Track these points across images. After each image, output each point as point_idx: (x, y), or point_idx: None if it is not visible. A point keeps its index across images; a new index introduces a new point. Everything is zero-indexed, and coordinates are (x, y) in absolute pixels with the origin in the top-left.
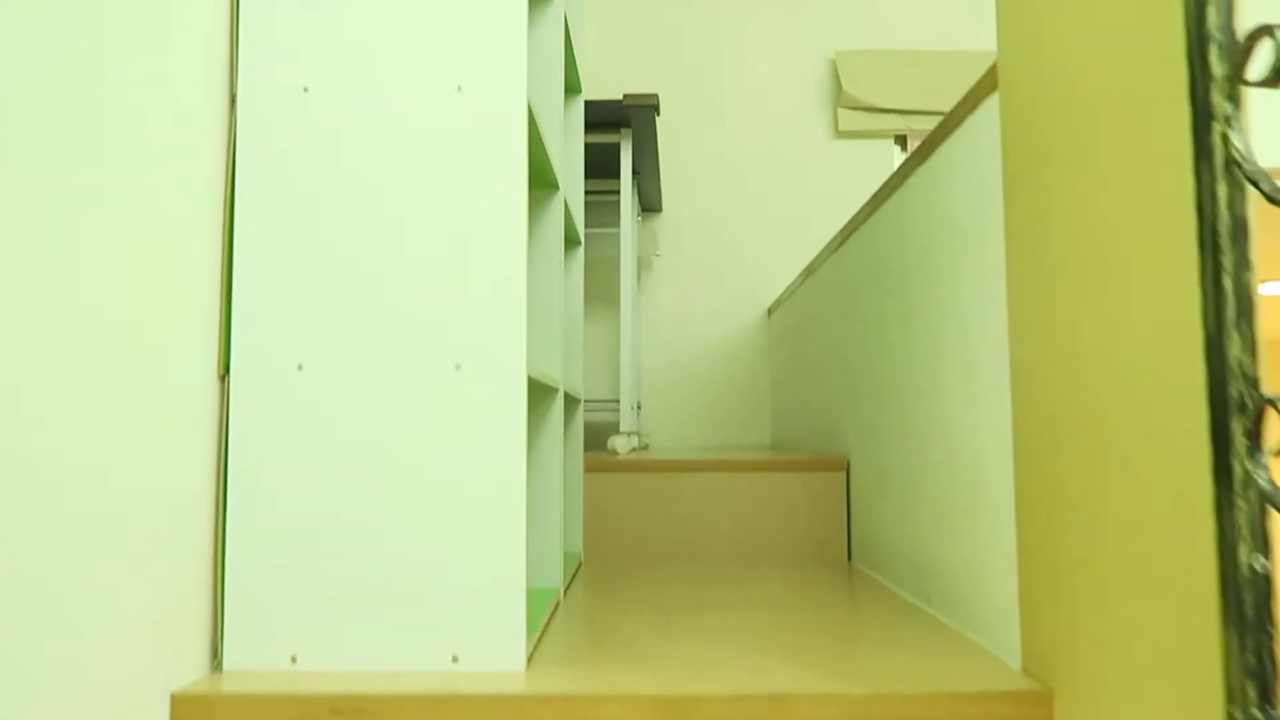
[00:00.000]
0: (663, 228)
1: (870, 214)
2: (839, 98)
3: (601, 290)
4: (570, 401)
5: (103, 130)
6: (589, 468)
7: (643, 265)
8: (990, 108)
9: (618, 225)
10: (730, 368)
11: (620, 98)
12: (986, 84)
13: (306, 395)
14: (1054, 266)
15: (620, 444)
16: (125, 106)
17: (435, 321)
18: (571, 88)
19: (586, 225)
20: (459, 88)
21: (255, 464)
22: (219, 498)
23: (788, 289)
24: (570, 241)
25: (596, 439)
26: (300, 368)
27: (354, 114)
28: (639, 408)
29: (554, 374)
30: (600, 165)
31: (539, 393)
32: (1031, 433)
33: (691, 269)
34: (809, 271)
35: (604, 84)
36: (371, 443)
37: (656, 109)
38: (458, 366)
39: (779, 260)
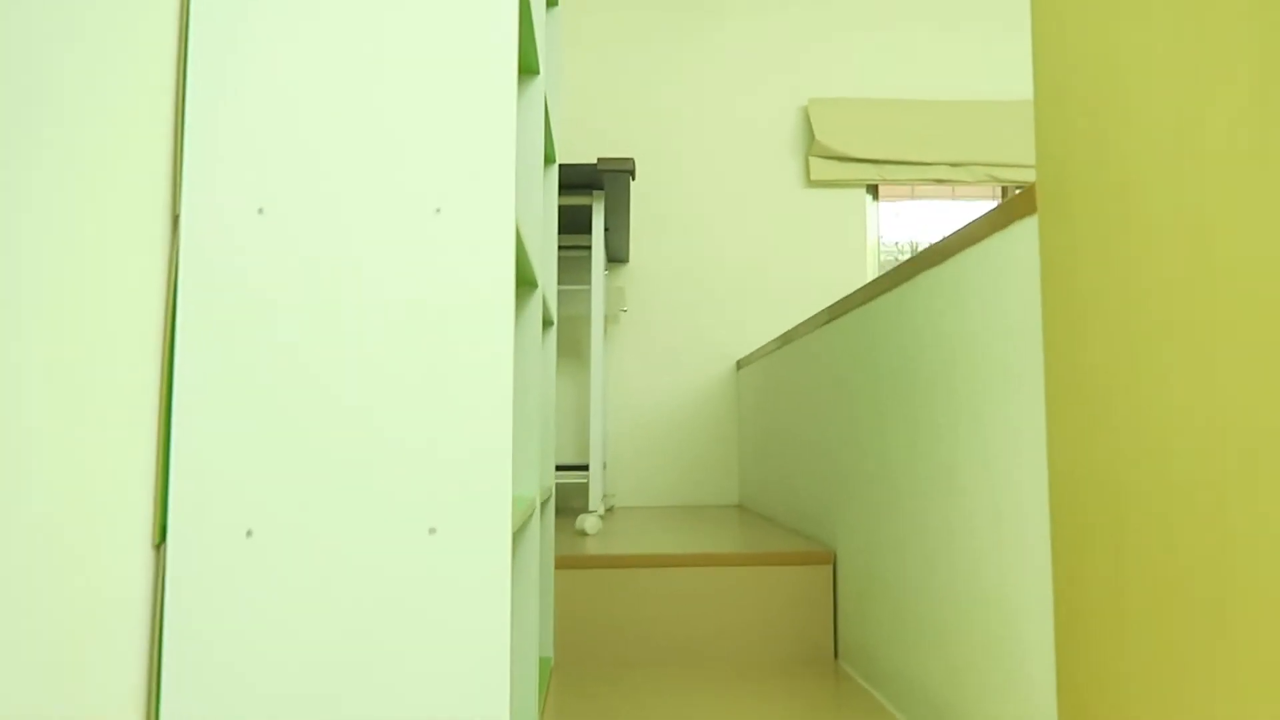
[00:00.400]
0: (630, 279)
1: (864, 301)
2: (811, 146)
3: (567, 346)
4: (544, 496)
5: (20, 255)
6: (558, 564)
7: (609, 320)
8: (1024, 230)
9: (586, 282)
10: (697, 422)
11: (595, 161)
12: (1022, 205)
13: (256, 566)
14: (1106, 405)
15: (590, 525)
16: (47, 230)
17: (407, 481)
18: (548, 159)
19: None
20: (438, 210)
21: (195, 647)
22: (152, 694)
23: (761, 348)
24: (544, 324)
25: (562, 504)
26: (250, 534)
27: (315, 238)
28: (605, 466)
29: (532, 491)
30: (569, 220)
31: (517, 515)
32: (1082, 569)
33: (658, 321)
34: (786, 339)
35: (573, 132)
36: (332, 620)
37: (632, 174)
38: (432, 531)
39: (749, 311)
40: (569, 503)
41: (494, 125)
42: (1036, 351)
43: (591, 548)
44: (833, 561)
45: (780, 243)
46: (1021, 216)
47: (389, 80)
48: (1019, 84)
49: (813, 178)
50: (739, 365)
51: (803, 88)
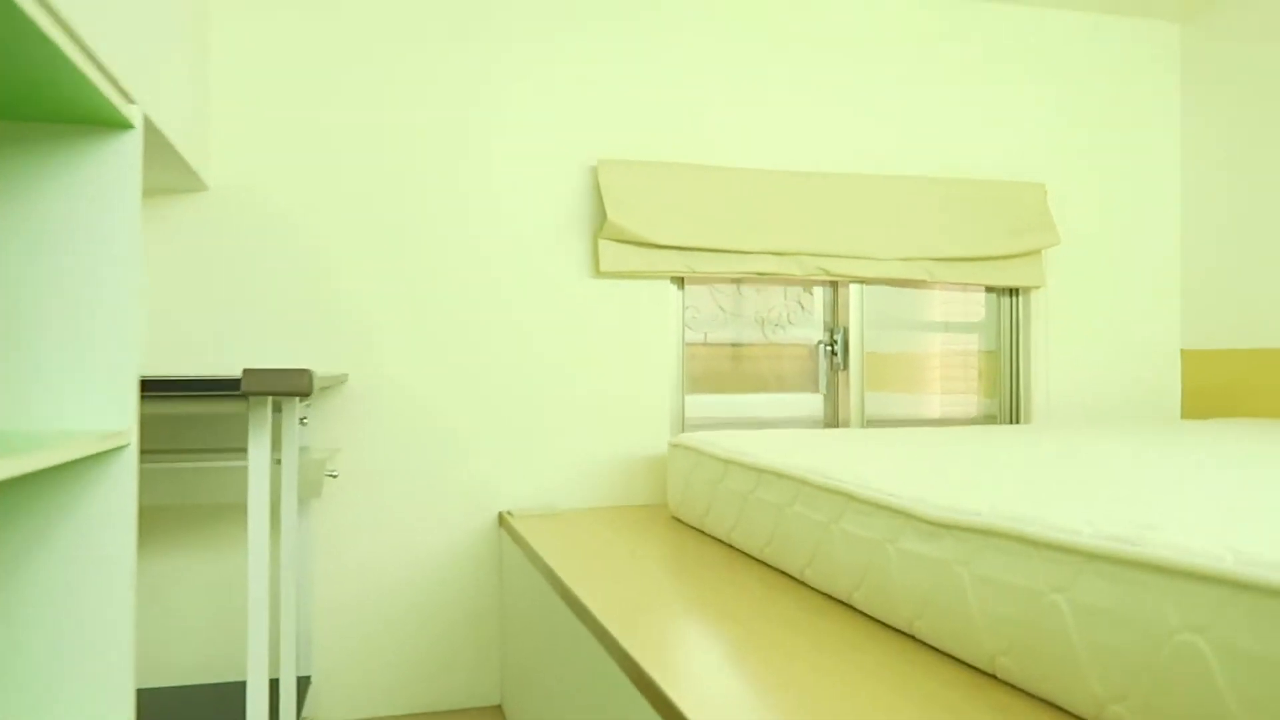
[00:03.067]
0: (346, 406)
1: None
2: (601, 226)
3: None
4: None
5: None
6: None
7: (306, 492)
8: None
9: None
10: (444, 597)
11: (239, 374)
12: None
13: None
14: None
15: None
16: None
17: None
18: None
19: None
20: None
21: None
22: None
23: (537, 567)
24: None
25: None
26: None
27: None
28: (307, 684)
29: None
30: None
31: None
32: None
33: (387, 465)
34: (579, 613)
35: (258, 173)
36: None
37: (305, 393)
38: None
39: (517, 444)
40: None
41: None
42: None
43: None
44: None
45: (558, 349)
46: None
47: None
48: (858, 155)
49: (603, 269)
50: (503, 520)
51: (590, 143)
